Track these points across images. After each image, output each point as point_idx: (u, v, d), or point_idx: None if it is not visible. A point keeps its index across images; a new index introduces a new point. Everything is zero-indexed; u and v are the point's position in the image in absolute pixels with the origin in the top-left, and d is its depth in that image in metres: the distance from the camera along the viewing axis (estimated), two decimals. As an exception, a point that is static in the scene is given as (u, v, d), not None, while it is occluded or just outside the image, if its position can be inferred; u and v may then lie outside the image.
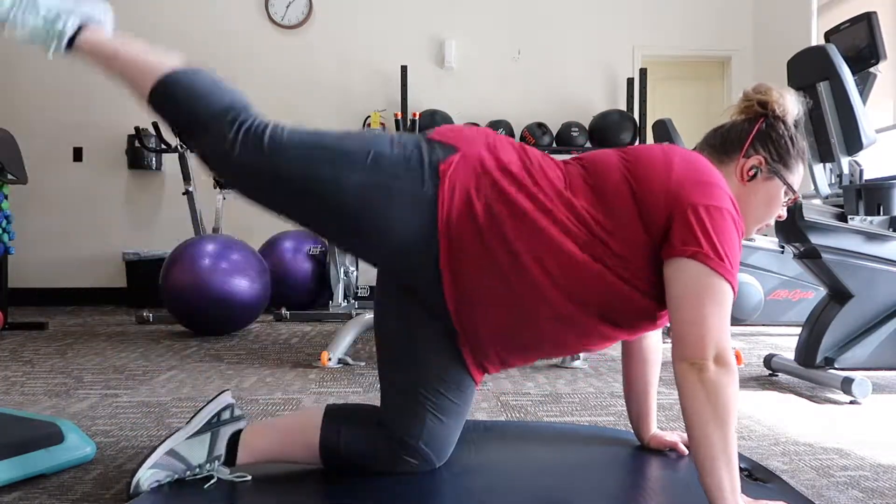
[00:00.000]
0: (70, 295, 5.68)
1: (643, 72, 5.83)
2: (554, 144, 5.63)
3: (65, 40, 1.33)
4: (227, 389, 1.42)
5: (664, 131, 4.73)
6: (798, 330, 2.71)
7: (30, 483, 1.49)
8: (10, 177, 3.88)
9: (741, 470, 1.42)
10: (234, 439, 1.37)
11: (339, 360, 2.97)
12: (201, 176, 4.86)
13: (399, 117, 5.47)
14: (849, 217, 2.53)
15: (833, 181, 2.75)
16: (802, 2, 5.32)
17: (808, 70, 2.67)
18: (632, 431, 1.64)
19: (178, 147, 4.69)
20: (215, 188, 4.90)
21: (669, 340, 1.24)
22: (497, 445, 1.62)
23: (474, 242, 1.23)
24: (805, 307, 3.79)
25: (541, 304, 1.25)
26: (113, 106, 5.77)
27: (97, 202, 5.79)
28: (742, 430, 2.00)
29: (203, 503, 1.27)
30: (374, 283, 1.48)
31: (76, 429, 1.65)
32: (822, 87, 2.58)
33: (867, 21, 2.72)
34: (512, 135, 5.64)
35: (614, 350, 3.22)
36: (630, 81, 5.90)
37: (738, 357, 3.00)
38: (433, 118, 5.53)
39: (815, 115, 2.66)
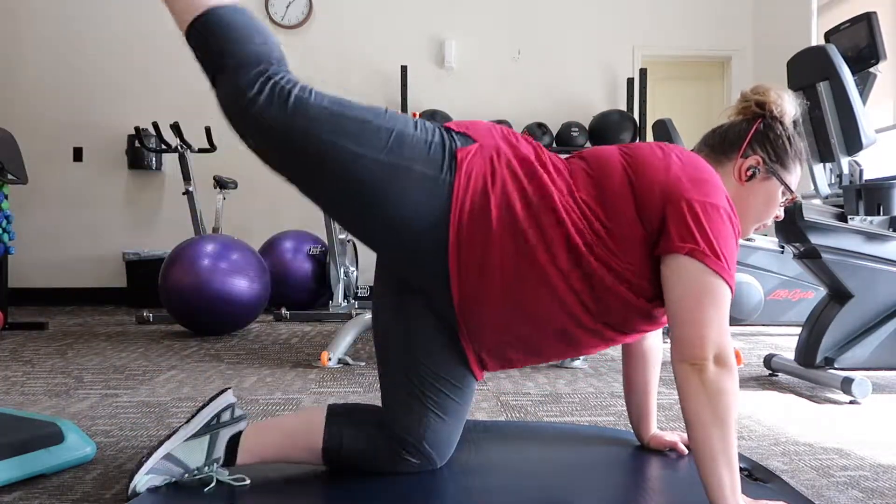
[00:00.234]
0: (70, 295, 5.68)
1: (643, 72, 5.83)
2: (554, 144, 5.63)
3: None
4: (229, 388, 1.41)
5: (664, 131, 4.73)
6: (798, 330, 2.71)
7: (30, 483, 1.49)
8: (10, 177, 3.88)
9: (741, 470, 1.42)
10: (234, 441, 1.36)
11: (339, 360, 2.97)
12: (201, 176, 4.87)
13: (399, 117, 5.47)
14: (849, 217, 2.53)
15: (833, 181, 2.75)
16: (802, 2, 5.32)
17: (808, 70, 2.67)
18: (632, 431, 1.64)
19: (178, 147, 4.69)
20: (215, 188, 4.90)
21: (669, 340, 1.24)
22: (497, 445, 1.62)
23: (486, 232, 1.23)
24: (805, 307, 3.79)
25: (548, 300, 1.24)
26: (113, 106, 5.78)
27: (97, 202, 5.79)
28: (742, 430, 2.00)
29: (203, 503, 1.27)
30: (374, 283, 1.48)
31: (76, 429, 1.65)
32: (822, 87, 2.58)
33: (867, 21, 2.72)
34: (512, 135, 5.64)
35: (614, 350, 3.22)
36: (630, 81, 5.90)
37: (737, 357, 3.00)
38: (433, 118, 5.53)
39: (815, 115, 2.66)
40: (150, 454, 1.31)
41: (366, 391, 2.47)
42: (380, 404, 1.41)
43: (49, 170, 5.65)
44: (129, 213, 5.85)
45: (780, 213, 1.41)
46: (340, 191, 1.25)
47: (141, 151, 5.58)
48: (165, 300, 3.83)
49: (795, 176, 1.39)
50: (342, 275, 4.85)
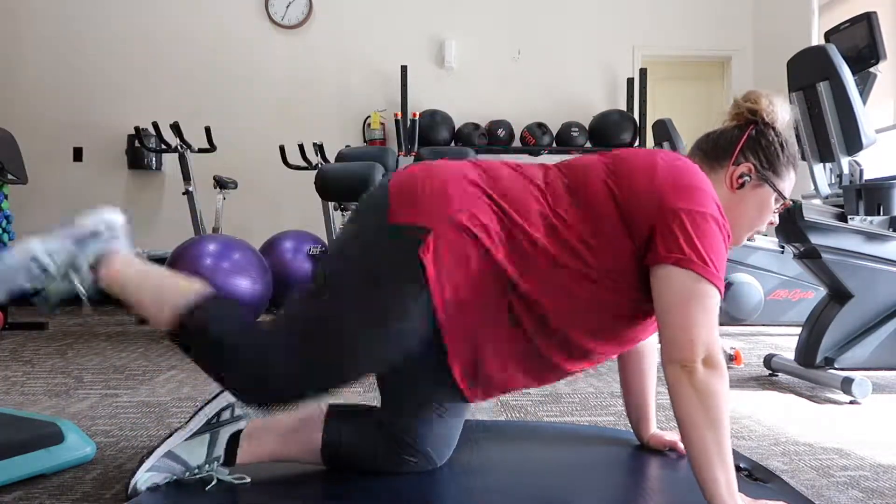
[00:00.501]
0: (70, 295, 5.68)
1: (643, 72, 5.84)
2: (554, 144, 5.63)
3: (87, 286, 1.32)
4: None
5: (664, 131, 4.74)
6: (798, 330, 2.71)
7: (30, 483, 1.49)
8: (10, 177, 3.88)
9: (741, 470, 1.42)
10: (234, 440, 1.37)
11: (339, 360, 2.96)
12: (201, 176, 4.87)
13: (399, 117, 5.47)
14: (849, 217, 2.53)
15: (833, 181, 2.75)
16: (802, 2, 5.32)
17: (808, 70, 2.67)
18: (632, 431, 1.64)
19: (178, 147, 4.68)
20: (215, 188, 4.90)
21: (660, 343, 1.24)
22: (497, 445, 1.62)
23: (477, 310, 1.20)
24: (805, 307, 3.79)
25: (545, 338, 1.23)
26: (113, 106, 5.78)
27: (97, 202, 5.72)
28: (742, 430, 2.00)
29: (203, 503, 1.27)
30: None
31: (76, 429, 1.65)
32: (822, 87, 2.58)
33: (867, 21, 2.72)
34: (512, 135, 5.65)
35: (614, 350, 3.22)
36: (630, 81, 5.90)
37: (738, 357, 3.00)
38: (433, 118, 5.53)
39: (815, 115, 2.66)
40: (150, 453, 1.32)
41: (365, 391, 2.47)
42: (379, 404, 1.42)
43: (49, 170, 5.65)
44: (129, 213, 5.84)
45: (775, 219, 1.41)
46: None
47: (141, 151, 5.58)
48: (165, 300, 3.82)
49: (788, 182, 1.38)
50: (342, 275, 4.84)
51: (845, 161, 2.62)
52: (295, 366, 1.19)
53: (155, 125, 4.70)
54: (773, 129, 1.36)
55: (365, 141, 5.83)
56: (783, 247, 4.01)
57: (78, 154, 5.80)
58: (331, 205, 4.72)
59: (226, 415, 1.37)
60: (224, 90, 5.83)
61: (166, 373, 2.79)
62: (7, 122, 4.75)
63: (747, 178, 1.34)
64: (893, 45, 3.69)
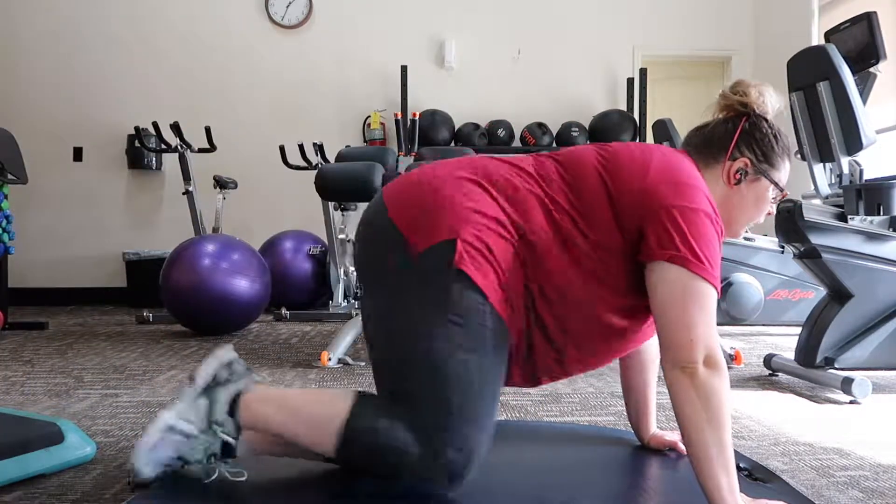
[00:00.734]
0: (70, 295, 5.68)
1: (643, 72, 5.84)
2: (554, 144, 5.64)
3: (232, 434, 1.27)
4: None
5: (664, 131, 4.74)
6: (798, 330, 2.71)
7: (30, 483, 1.49)
8: (10, 177, 3.88)
9: (741, 470, 1.42)
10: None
11: (339, 360, 2.97)
12: (201, 176, 4.87)
13: (399, 117, 5.47)
14: (849, 217, 2.53)
15: (833, 181, 2.75)
16: (802, 2, 5.32)
17: (808, 70, 2.67)
18: (632, 431, 1.64)
19: (178, 147, 4.69)
20: (215, 188, 4.90)
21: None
22: (497, 445, 1.61)
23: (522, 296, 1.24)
24: (805, 307, 3.79)
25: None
26: (113, 106, 5.78)
27: (97, 202, 5.79)
28: (742, 430, 2.00)
29: (202, 503, 1.27)
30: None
31: (76, 429, 1.65)
32: (822, 87, 2.58)
33: (867, 21, 2.72)
34: (512, 135, 5.65)
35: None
36: (630, 81, 5.90)
37: (738, 357, 3.00)
38: (433, 118, 5.53)
39: (815, 115, 2.66)
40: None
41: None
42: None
43: (49, 170, 5.64)
44: (129, 213, 5.85)
45: (773, 209, 1.40)
46: None
47: (141, 151, 5.58)
48: (166, 300, 3.83)
49: (784, 172, 1.37)
50: (342, 275, 4.85)
51: (845, 161, 2.62)
52: (461, 421, 1.19)
53: (155, 125, 4.70)
54: (766, 120, 1.35)
55: (365, 141, 5.82)
56: (783, 247, 4.01)
57: (78, 154, 5.80)
58: (331, 205, 4.72)
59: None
60: (224, 90, 5.83)
61: (166, 373, 2.79)
62: (7, 122, 4.74)
63: (744, 172, 1.34)
64: (893, 45, 3.69)
